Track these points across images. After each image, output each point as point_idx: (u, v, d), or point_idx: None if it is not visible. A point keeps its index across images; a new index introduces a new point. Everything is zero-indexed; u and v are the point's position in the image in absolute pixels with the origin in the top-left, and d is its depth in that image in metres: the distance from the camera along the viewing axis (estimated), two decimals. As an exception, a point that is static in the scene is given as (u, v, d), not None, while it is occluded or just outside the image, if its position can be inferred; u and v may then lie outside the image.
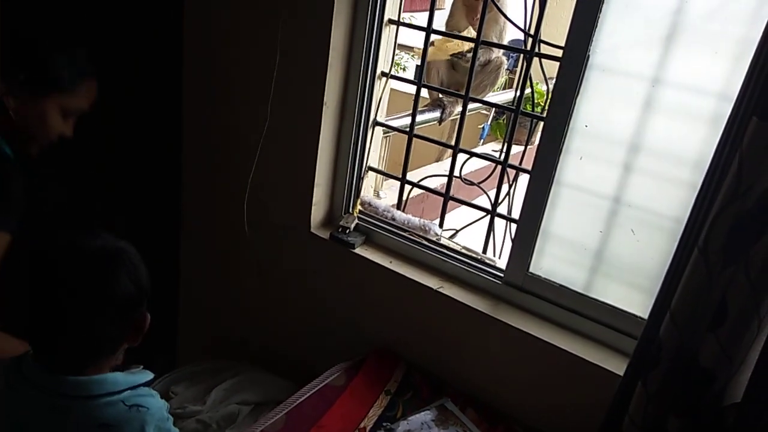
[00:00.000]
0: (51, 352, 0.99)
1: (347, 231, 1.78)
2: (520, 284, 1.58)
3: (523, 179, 1.73)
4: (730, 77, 1.23)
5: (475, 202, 1.83)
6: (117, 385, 1.00)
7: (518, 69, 4.43)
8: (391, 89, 1.86)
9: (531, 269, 1.56)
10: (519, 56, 4.77)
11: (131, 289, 0.98)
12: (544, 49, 1.59)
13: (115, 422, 0.98)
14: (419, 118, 2.70)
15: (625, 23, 1.34)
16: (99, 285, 0.97)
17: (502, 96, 3.96)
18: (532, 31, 1.55)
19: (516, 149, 2.15)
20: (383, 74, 1.77)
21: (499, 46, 2.39)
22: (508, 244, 1.80)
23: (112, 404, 0.98)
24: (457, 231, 1.92)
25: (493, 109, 3.76)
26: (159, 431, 1.02)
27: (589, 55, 1.36)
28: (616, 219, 1.44)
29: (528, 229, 1.54)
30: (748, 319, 1.10)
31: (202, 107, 1.98)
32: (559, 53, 1.42)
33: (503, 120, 3.80)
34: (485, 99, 2.43)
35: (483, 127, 3.45)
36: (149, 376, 1.06)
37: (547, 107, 1.45)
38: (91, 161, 2.07)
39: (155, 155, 2.13)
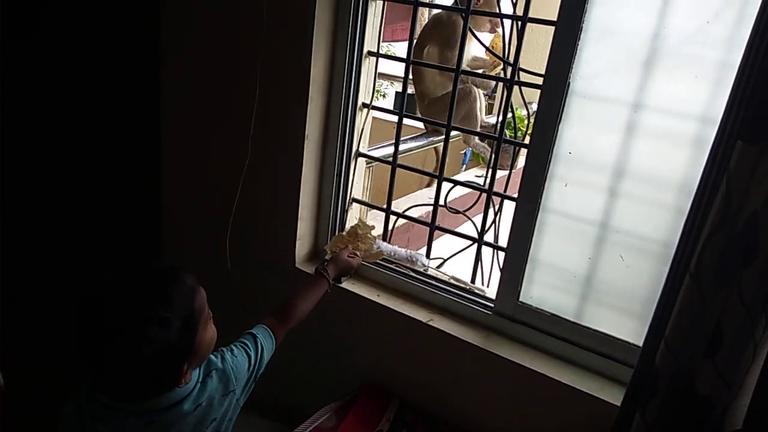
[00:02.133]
0: (121, 388, 1.05)
1: (333, 265, 1.74)
2: (511, 314, 1.55)
3: (509, 206, 1.72)
4: (711, 100, 1.23)
5: (461, 230, 1.81)
6: (192, 382, 1.11)
7: (498, 95, 4.48)
8: (373, 118, 1.85)
9: (521, 298, 1.54)
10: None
11: (175, 321, 1.01)
12: (525, 77, 1.59)
13: (207, 397, 1.14)
14: (406, 146, 2.70)
15: (604, 50, 1.34)
16: (139, 334, 0.98)
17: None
18: (511, 60, 1.55)
19: (500, 174, 2.14)
20: (364, 105, 1.76)
21: (479, 75, 2.40)
22: (497, 273, 1.78)
23: (196, 392, 1.12)
24: (445, 260, 1.89)
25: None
26: (227, 372, 1.19)
27: (569, 83, 1.36)
28: (604, 245, 1.42)
29: (516, 257, 1.52)
30: (744, 343, 1.08)
31: (181, 144, 1.95)
32: (539, 80, 1.42)
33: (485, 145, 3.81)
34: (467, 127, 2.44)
35: (465, 153, 3.46)
36: (208, 358, 1.17)
37: (530, 134, 1.44)
38: (67, 194, 2.03)
39: (135, 194, 2.09)
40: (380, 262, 1.74)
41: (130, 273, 1.05)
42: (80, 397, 1.10)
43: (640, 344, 1.38)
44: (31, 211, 2.02)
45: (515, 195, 1.53)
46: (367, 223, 1.78)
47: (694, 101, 1.26)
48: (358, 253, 1.67)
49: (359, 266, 1.69)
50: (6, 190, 1.85)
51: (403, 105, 1.73)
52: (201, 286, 1.10)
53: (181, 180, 1.99)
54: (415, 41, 1.77)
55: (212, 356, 1.18)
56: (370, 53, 1.70)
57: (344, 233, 1.74)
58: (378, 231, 1.90)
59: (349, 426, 1.54)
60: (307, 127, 1.64)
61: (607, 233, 1.41)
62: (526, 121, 2.60)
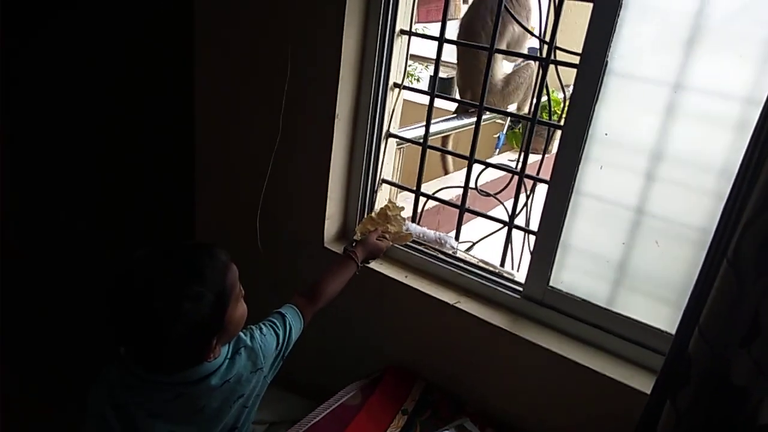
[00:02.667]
0: (150, 361, 1.08)
1: (361, 245, 1.74)
2: (540, 298, 1.53)
3: (541, 190, 1.69)
4: (756, 80, 1.18)
5: (493, 214, 1.78)
6: (220, 357, 1.14)
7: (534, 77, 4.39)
8: (405, 100, 1.83)
9: (551, 283, 1.51)
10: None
11: (207, 296, 1.02)
12: (561, 57, 1.55)
13: (235, 374, 1.16)
14: (437, 127, 2.67)
15: (644, 27, 1.29)
16: (171, 308, 1.00)
17: (511, 107, 3.92)
18: (548, 39, 1.51)
19: (533, 158, 2.10)
20: (395, 85, 1.74)
21: (515, 54, 2.34)
22: (527, 257, 1.75)
23: (224, 368, 1.15)
24: (474, 243, 1.87)
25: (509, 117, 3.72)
26: (256, 350, 1.21)
27: (607, 61, 1.31)
28: (639, 230, 1.39)
29: (547, 241, 1.49)
30: (783, 333, 1.04)
31: (213, 122, 1.97)
32: (575, 60, 1.38)
33: (519, 129, 3.75)
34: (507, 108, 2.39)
35: (498, 137, 3.40)
36: (237, 335, 1.19)
37: (564, 115, 1.40)
38: (103, 178, 2.08)
39: (167, 173, 2.13)
40: (409, 243, 1.73)
41: (165, 249, 1.07)
42: (111, 371, 1.13)
43: (672, 331, 1.36)
44: (68, 192, 2.07)
45: (548, 179, 1.50)
46: (397, 204, 1.77)
47: (738, 82, 1.20)
48: (387, 235, 1.66)
49: (388, 248, 1.68)
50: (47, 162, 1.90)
51: (434, 85, 1.71)
52: (233, 263, 1.11)
53: (213, 159, 2.01)
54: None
55: (241, 334, 1.20)
56: (402, 32, 1.67)
57: (374, 215, 1.73)
58: (408, 212, 1.89)
59: (375, 404, 1.54)
60: (337, 105, 1.63)
61: (642, 218, 1.37)
62: (562, 104, 2.55)
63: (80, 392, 1.19)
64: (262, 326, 1.27)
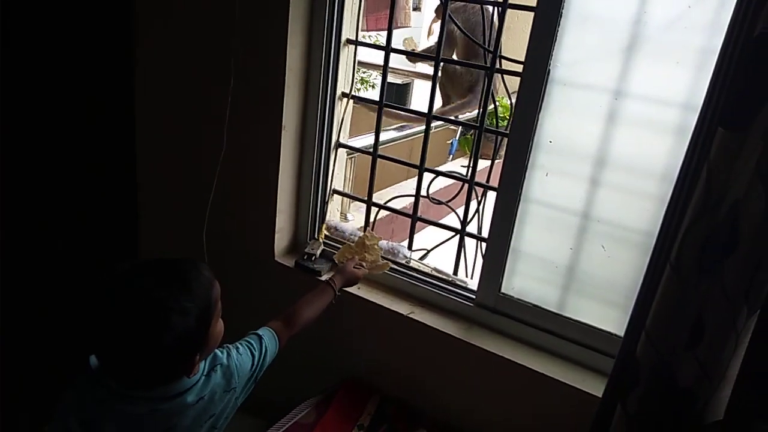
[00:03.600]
0: (127, 375, 1.05)
1: (313, 258, 1.72)
2: (493, 305, 1.53)
3: (492, 196, 1.70)
4: (693, 87, 1.21)
5: (446, 221, 1.78)
6: (197, 374, 1.12)
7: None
8: (360, 106, 1.82)
9: (503, 289, 1.52)
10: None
11: (193, 311, 1.01)
12: (507, 66, 1.56)
13: (209, 391, 1.14)
14: (388, 135, 2.67)
15: (585, 35, 1.31)
16: (159, 321, 0.98)
17: (463, 115, 3.95)
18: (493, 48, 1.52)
19: (484, 164, 2.11)
20: (344, 95, 1.72)
21: (461, 63, 2.36)
22: (480, 263, 1.75)
23: (200, 385, 1.13)
24: (427, 252, 1.87)
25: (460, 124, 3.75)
26: (231, 369, 1.20)
27: (549, 69, 1.33)
28: (585, 235, 1.40)
29: (498, 248, 1.49)
30: (725, 334, 1.06)
31: (155, 134, 1.90)
32: (520, 68, 1.39)
33: (471, 135, 3.78)
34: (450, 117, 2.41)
35: (451, 143, 3.43)
36: (214, 352, 1.18)
37: (510, 123, 1.41)
38: (46, 186, 1.99)
39: (109, 186, 2.04)
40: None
41: (150, 262, 1.05)
42: (81, 383, 1.10)
43: (621, 334, 1.38)
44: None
45: (497, 185, 1.51)
46: (350, 214, 1.75)
47: (676, 88, 1.23)
48: (364, 264, 1.63)
49: (364, 276, 1.63)
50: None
51: (382, 95, 1.70)
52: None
53: (156, 173, 1.95)
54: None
55: (218, 351, 1.20)
56: (348, 41, 1.66)
57: (352, 243, 1.70)
58: (360, 222, 1.87)
59: (329, 421, 1.51)
60: (284, 116, 1.60)
61: (588, 223, 1.39)
62: (511, 110, 2.57)
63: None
64: (239, 345, 1.26)
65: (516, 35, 1.69)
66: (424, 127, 1.65)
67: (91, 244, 2.04)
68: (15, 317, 1.96)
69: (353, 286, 1.60)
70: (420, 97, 7.92)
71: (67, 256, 2.04)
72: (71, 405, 1.11)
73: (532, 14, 1.36)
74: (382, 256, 1.67)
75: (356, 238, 1.74)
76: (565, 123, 1.36)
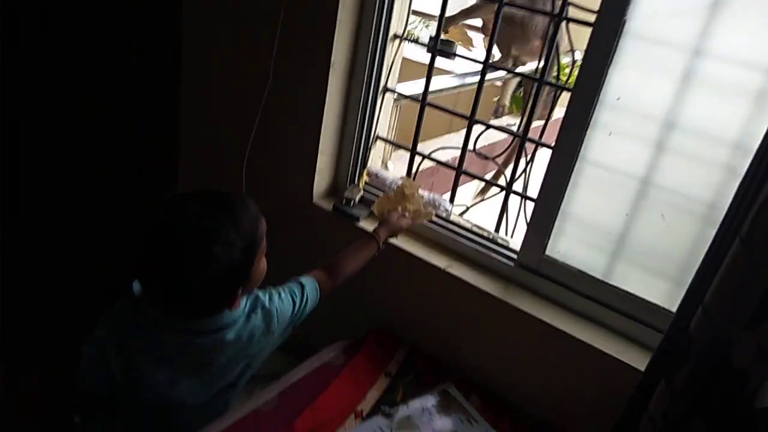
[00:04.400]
0: (169, 303, 1.05)
1: (351, 203, 1.67)
2: (535, 267, 1.47)
3: (541, 157, 1.62)
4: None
5: (489, 177, 1.72)
6: (238, 312, 1.12)
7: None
8: (404, 58, 1.74)
9: (547, 252, 1.46)
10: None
11: (238, 244, 1.01)
12: (574, 14, 1.46)
13: (249, 332, 1.14)
14: (436, 86, 2.56)
15: (667, -14, 1.20)
16: (204, 251, 0.98)
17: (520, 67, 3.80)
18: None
19: (534, 124, 2.02)
20: (396, 36, 1.64)
21: (525, 8, 2.21)
22: (522, 225, 1.69)
23: (240, 324, 1.13)
24: (469, 207, 1.81)
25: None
26: (272, 313, 1.19)
27: (625, 20, 1.23)
28: (644, 202, 1.33)
29: (547, 208, 1.43)
30: (790, 317, 0.99)
31: (200, 65, 1.85)
32: (589, 18, 1.30)
33: (520, 93, 3.64)
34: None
35: (497, 100, 3.31)
36: (256, 293, 1.19)
37: (575, 76, 1.32)
38: (87, 119, 1.98)
39: (152, 112, 2.02)
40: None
41: (200, 194, 1.05)
42: (123, 310, 1.11)
43: (672, 309, 1.32)
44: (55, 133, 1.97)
45: (552, 143, 1.43)
46: (390, 163, 1.69)
47: (763, 51, 1.13)
48: (407, 214, 1.58)
49: (409, 227, 1.58)
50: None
51: (437, 37, 1.61)
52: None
53: (200, 106, 1.91)
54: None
55: (260, 293, 1.20)
56: (406, -22, 1.57)
57: (391, 194, 1.64)
58: (402, 172, 1.81)
59: (358, 365, 1.50)
60: (333, 53, 1.53)
61: (649, 189, 1.31)
62: (567, 70, 2.45)
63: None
64: (282, 291, 1.26)
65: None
66: (470, 80, 1.57)
67: (131, 176, 2.03)
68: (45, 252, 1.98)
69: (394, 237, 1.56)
70: (466, 52, 7.68)
71: (107, 188, 2.04)
72: (109, 329, 1.12)
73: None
74: (423, 205, 1.61)
75: (395, 188, 1.68)
76: (635, 80, 1.27)
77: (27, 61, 1.88)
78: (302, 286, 1.29)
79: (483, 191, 2.33)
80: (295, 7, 1.52)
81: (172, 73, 1.88)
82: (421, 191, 1.66)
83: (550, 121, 1.93)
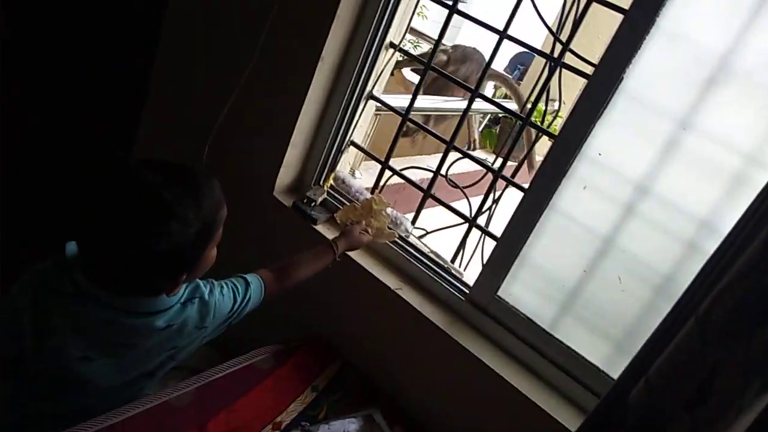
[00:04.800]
0: (104, 273, 0.95)
1: (312, 204, 1.61)
2: (484, 306, 1.44)
3: (509, 195, 1.60)
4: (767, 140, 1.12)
5: (453, 206, 1.68)
6: (174, 298, 1.03)
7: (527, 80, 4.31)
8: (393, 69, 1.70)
9: (499, 292, 1.43)
10: (524, 68, 4.69)
11: (195, 224, 0.92)
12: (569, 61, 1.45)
13: (180, 322, 1.05)
14: (423, 103, 2.53)
15: (669, 54, 1.21)
16: (157, 224, 0.89)
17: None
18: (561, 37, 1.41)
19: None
20: (392, 45, 1.60)
21: (523, 44, 2.19)
22: (477, 258, 1.67)
23: (173, 312, 1.04)
24: (429, 232, 1.77)
25: (487, 116, 3.62)
26: (209, 306, 1.10)
27: (622, 78, 1.22)
28: (603, 261, 1.32)
29: (507, 248, 1.40)
30: (729, 403, 0.99)
31: (183, 29, 1.76)
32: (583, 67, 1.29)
33: (496, 130, 3.66)
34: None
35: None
36: (197, 282, 1.10)
37: (560, 124, 1.31)
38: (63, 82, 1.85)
39: (122, 73, 1.91)
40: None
41: (168, 164, 0.95)
42: (49, 270, 0.99)
43: (610, 373, 1.31)
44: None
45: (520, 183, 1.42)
46: (358, 171, 1.64)
47: (751, 135, 1.14)
48: (369, 230, 1.51)
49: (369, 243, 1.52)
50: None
51: (432, 56, 1.58)
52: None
53: (175, 70, 1.81)
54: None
55: (201, 284, 1.11)
56: (413, -12, 1.53)
57: (358, 205, 1.57)
58: (369, 183, 1.76)
59: (285, 373, 1.43)
60: (325, 48, 1.48)
61: (610, 250, 1.30)
62: (542, 116, 2.45)
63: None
64: (224, 285, 1.17)
65: (586, 32, 1.56)
66: (452, 104, 1.54)
67: (86, 136, 1.90)
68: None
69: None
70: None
71: (58, 146, 1.90)
72: (29, 286, 1.00)
73: (614, 14, 1.27)
74: (388, 225, 1.56)
75: (362, 199, 1.63)
76: (620, 139, 1.26)
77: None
78: (247, 285, 1.21)
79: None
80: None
81: (152, 36, 1.78)
82: (389, 210, 1.61)
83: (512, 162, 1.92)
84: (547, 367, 1.37)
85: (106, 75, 1.89)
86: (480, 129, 3.36)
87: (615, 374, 1.31)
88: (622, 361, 1.29)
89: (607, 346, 1.34)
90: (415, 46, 6.99)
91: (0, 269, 1.43)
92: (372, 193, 1.72)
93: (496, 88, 4.56)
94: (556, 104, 1.95)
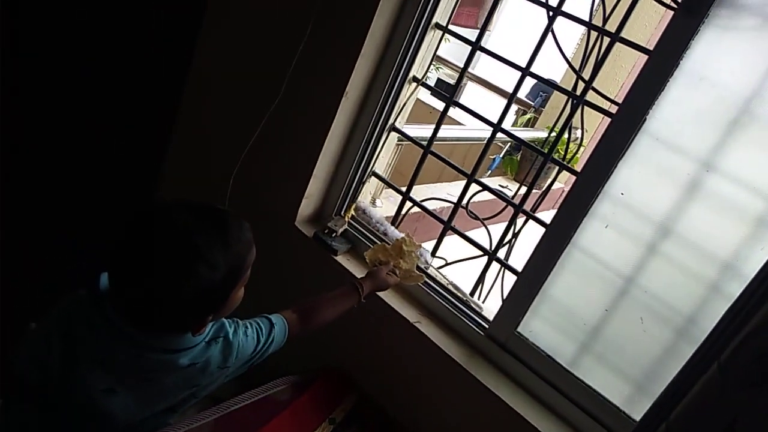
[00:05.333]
0: (132, 310, 0.96)
1: (333, 234, 1.63)
2: (503, 342, 1.44)
3: (530, 227, 1.60)
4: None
5: (471, 235, 1.68)
6: (199, 337, 1.04)
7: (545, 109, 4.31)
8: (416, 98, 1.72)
9: (519, 328, 1.42)
10: (547, 96, 4.69)
11: (222, 268, 0.93)
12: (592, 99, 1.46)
13: (204, 361, 1.05)
14: (445, 133, 2.55)
15: (693, 96, 1.21)
16: (186, 267, 0.91)
17: (521, 134, 3.84)
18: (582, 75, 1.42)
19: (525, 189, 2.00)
20: (415, 79, 1.62)
21: (545, 82, 2.20)
22: (496, 291, 1.66)
23: (197, 350, 1.05)
24: (448, 263, 1.77)
25: (507, 143, 3.62)
26: (233, 346, 1.10)
27: (646, 119, 1.23)
28: (625, 300, 1.31)
29: (528, 284, 1.40)
30: (752, 455, 0.97)
31: (213, 63, 1.81)
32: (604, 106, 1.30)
33: (517, 157, 3.67)
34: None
35: (494, 159, 3.32)
36: (222, 321, 1.10)
37: (581, 160, 1.31)
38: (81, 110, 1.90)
39: (149, 108, 1.95)
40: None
41: (196, 204, 0.97)
42: (81, 298, 1.02)
43: (629, 413, 1.30)
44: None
45: (537, 215, 1.42)
46: (379, 200, 1.65)
47: (773, 179, 1.13)
48: (397, 271, 1.49)
49: (395, 285, 1.50)
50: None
51: (455, 89, 1.60)
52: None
53: (201, 106, 1.85)
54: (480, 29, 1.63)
55: (227, 323, 1.12)
56: (437, 25, 1.56)
57: (389, 245, 1.56)
58: (387, 211, 1.78)
59: (303, 405, 1.43)
60: (350, 83, 1.50)
61: (632, 289, 1.29)
62: (564, 150, 2.46)
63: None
64: (248, 325, 1.17)
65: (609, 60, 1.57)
66: (471, 134, 1.55)
67: (113, 171, 1.94)
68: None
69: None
70: (470, 101, 7.74)
71: (86, 184, 1.95)
72: (61, 315, 1.02)
73: (636, 54, 1.27)
74: (417, 265, 1.54)
75: (395, 240, 1.61)
76: (642, 179, 1.26)
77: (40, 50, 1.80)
78: (271, 326, 1.20)
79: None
80: (322, 27, 1.50)
81: (180, 71, 1.83)
82: (420, 251, 1.60)
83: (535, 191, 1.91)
84: (566, 405, 1.36)
85: (134, 110, 1.93)
86: (501, 156, 3.36)
87: (636, 415, 1.30)
88: (643, 402, 1.29)
89: (627, 387, 1.32)
90: (437, 69, 7.05)
91: (35, 296, 1.46)
92: (393, 223, 1.73)
93: (518, 114, 4.58)
94: (578, 131, 1.96)
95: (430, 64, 1.65)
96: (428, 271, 1.61)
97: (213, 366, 1.08)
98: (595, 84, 1.44)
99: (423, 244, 1.67)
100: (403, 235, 1.59)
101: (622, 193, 1.27)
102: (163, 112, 1.91)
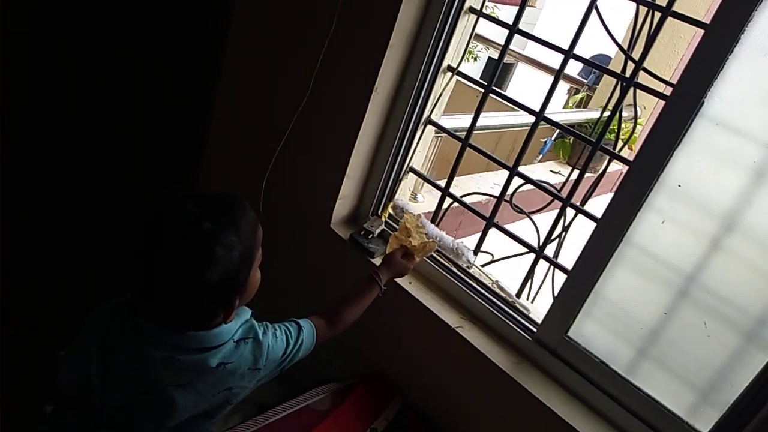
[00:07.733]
0: (160, 310, 0.99)
1: (370, 236, 1.57)
2: (554, 347, 1.35)
3: (580, 220, 1.50)
4: None
5: (517, 225, 1.59)
6: (227, 334, 1.04)
7: (598, 88, 4.11)
8: (458, 80, 1.62)
9: (570, 333, 1.33)
10: (600, 73, 4.44)
11: (239, 246, 0.95)
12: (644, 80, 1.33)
13: (234, 361, 1.05)
14: (484, 121, 2.44)
15: (758, 72, 1.07)
16: (204, 252, 0.93)
17: (573, 116, 3.65)
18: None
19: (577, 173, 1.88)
20: (449, 68, 1.53)
21: (591, 64, 2.04)
22: (546, 292, 1.57)
23: (227, 350, 1.04)
24: (493, 260, 1.68)
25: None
26: (263, 347, 1.09)
27: (703, 101, 1.10)
28: (686, 302, 1.19)
29: (579, 284, 1.30)
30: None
31: (243, 69, 1.78)
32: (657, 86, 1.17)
33: (569, 140, 3.48)
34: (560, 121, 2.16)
35: (545, 142, 3.16)
36: (248, 312, 1.10)
37: (637, 151, 1.20)
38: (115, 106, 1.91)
39: (183, 111, 1.94)
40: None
41: (198, 195, 1.00)
42: (114, 307, 1.05)
43: (693, 423, 1.19)
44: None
45: (587, 208, 1.31)
46: (420, 195, 1.57)
47: None
48: (413, 252, 1.44)
49: (416, 265, 1.45)
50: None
51: (493, 78, 1.50)
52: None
53: (233, 109, 1.83)
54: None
55: (256, 324, 1.12)
56: (471, 9, 1.46)
57: (396, 233, 1.49)
58: (430, 205, 1.70)
59: (343, 414, 1.39)
60: (379, 77, 1.43)
61: (694, 289, 1.18)
62: (623, 123, 2.29)
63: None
64: (277, 328, 1.17)
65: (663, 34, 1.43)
66: (515, 121, 1.45)
67: (151, 172, 1.95)
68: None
69: (403, 277, 1.45)
70: (520, 82, 7.50)
71: (123, 181, 1.97)
72: (97, 326, 1.05)
73: (692, 29, 1.14)
74: (425, 234, 1.47)
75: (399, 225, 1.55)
76: (702, 168, 1.14)
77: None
78: (299, 329, 1.19)
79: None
80: (347, 23, 1.43)
81: (212, 75, 1.81)
82: (443, 233, 1.54)
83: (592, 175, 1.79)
84: (623, 415, 1.26)
85: (168, 116, 1.93)
86: (553, 138, 3.20)
87: (701, 426, 1.18)
88: (709, 413, 1.17)
89: (691, 396, 1.21)
90: (487, 48, 6.83)
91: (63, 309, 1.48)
92: (434, 219, 1.65)
93: (569, 93, 4.37)
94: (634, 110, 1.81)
95: (465, 51, 1.55)
96: (470, 270, 1.53)
97: (243, 367, 1.07)
98: (650, 57, 1.31)
99: (465, 239, 1.59)
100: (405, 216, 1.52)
101: (679, 185, 1.15)
102: (194, 120, 1.90)
